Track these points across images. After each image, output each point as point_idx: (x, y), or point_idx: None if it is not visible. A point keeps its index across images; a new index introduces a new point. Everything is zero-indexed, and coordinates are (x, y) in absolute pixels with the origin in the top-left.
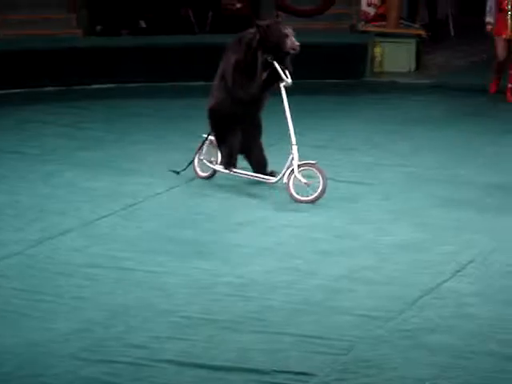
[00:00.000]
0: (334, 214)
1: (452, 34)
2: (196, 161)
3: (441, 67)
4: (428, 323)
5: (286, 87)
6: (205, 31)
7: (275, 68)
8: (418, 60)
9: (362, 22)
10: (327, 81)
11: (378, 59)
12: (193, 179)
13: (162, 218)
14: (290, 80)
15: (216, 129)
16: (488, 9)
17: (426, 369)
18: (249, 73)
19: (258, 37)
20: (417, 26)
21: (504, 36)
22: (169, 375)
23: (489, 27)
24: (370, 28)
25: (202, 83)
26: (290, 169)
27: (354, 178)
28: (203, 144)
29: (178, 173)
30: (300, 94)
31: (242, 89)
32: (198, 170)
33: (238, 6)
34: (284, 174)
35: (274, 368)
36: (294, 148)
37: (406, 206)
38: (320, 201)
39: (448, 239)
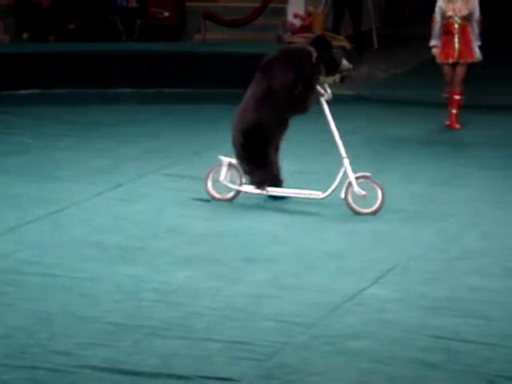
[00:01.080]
0: (264, 220)
1: (375, 46)
2: (209, 184)
3: (364, 79)
4: (350, 329)
5: (327, 101)
6: (132, 39)
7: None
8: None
9: (289, 34)
10: None
11: None
12: (120, 185)
13: (87, 224)
14: (330, 93)
15: (254, 148)
16: (436, 32)
17: (347, 374)
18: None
19: (315, 53)
20: (341, 37)
21: (450, 60)
22: (91, 381)
23: (434, 50)
24: (296, 39)
25: (128, 90)
26: (347, 182)
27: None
28: (216, 167)
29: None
30: (228, 103)
31: (306, 103)
32: (214, 192)
33: (166, 14)
34: (334, 189)
35: (198, 374)
36: (346, 161)
37: (333, 215)
38: (249, 207)
39: (370, 247)
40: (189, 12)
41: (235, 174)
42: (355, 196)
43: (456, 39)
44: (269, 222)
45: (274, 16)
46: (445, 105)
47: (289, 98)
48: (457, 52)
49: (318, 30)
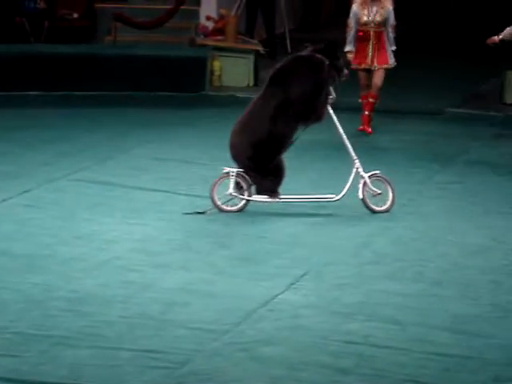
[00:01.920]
0: (172, 227)
1: (289, 49)
2: (216, 197)
3: None
4: (263, 335)
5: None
6: (40, 41)
7: None
8: (256, 75)
9: (201, 36)
10: (167, 93)
11: (216, 73)
12: (28, 191)
13: None
14: (335, 96)
15: (263, 159)
16: (350, 38)
17: (260, 381)
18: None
19: (327, 60)
20: (255, 41)
21: (363, 65)
22: None
23: (349, 56)
24: (209, 42)
25: (35, 93)
26: (362, 182)
27: (193, 192)
28: (221, 179)
29: (203, 213)
30: (140, 106)
31: (322, 111)
32: (221, 204)
33: (75, 16)
34: (347, 190)
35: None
36: (357, 162)
37: (243, 220)
38: (158, 214)
39: (283, 253)
40: (99, 13)
41: (243, 183)
42: (370, 195)
43: (370, 45)
44: (178, 229)
45: (186, 18)
46: (360, 110)
47: (306, 108)
48: (370, 58)
49: (230, 33)
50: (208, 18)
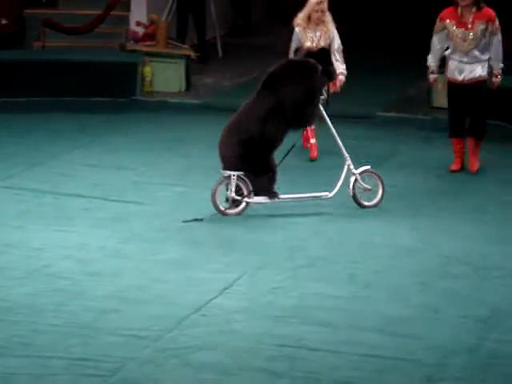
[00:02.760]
0: (105, 234)
1: (220, 55)
2: (218, 202)
3: (209, 88)
4: (195, 341)
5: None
6: None
7: None
8: (187, 80)
9: (131, 42)
10: (98, 99)
11: (148, 78)
12: None
13: None
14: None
15: (255, 159)
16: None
17: None
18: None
19: (319, 65)
20: (186, 46)
21: None
22: None
23: None
24: (140, 47)
25: None
26: (353, 179)
27: (125, 197)
28: (221, 183)
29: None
30: (70, 112)
31: (312, 116)
32: (223, 208)
33: (4, 22)
34: (339, 186)
35: None
36: (348, 159)
37: (176, 225)
38: (90, 220)
39: (217, 257)
40: (28, 19)
41: (243, 186)
42: (361, 191)
43: None
44: (110, 236)
45: (116, 24)
46: None
47: (298, 114)
48: None
49: (161, 39)
50: (138, 24)
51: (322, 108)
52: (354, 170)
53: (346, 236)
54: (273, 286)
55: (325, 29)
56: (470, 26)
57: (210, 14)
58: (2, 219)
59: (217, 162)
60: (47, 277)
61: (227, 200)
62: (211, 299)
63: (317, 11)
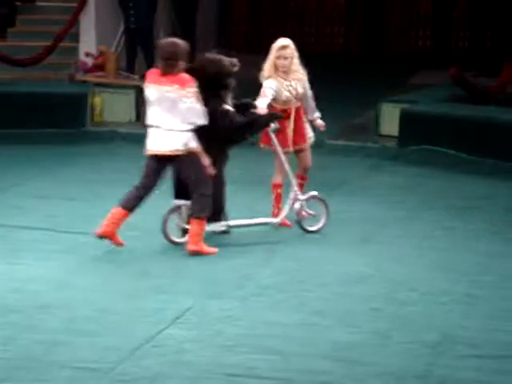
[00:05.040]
0: (53, 265)
1: None
2: (169, 232)
3: None
4: (147, 372)
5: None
6: None
7: None
8: (137, 110)
9: (81, 72)
10: (47, 130)
11: (98, 109)
12: None
13: None
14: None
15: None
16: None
17: None
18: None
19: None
20: (136, 77)
21: (285, 150)
22: None
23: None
24: (89, 78)
25: None
26: (298, 204)
27: (75, 229)
28: (171, 212)
29: None
30: (18, 144)
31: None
32: (174, 237)
33: None
34: (286, 211)
35: None
36: (295, 184)
37: (125, 256)
38: (39, 253)
39: (167, 286)
40: None
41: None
42: (307, 216)
43: (291, 124)
44: (59, 267)
45: (65, 55)
46: None
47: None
48: (291, 140)
49: (111, 69)
50: (87, 54)
51: (273, 136)
52: (301, 196)
53: (295, 264)
54: (223, 315)
55: (296, 75)
56: None
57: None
58: None
59: (166, 191)
60: None
61: (182, 230)
62: (163, 329)
63: (280, 58)
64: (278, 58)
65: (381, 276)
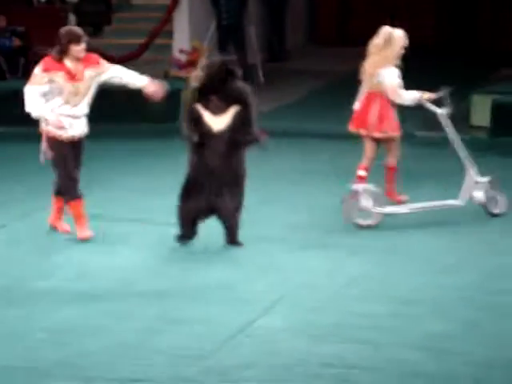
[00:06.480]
0: (148, 256)
1: (261, 79)
2: (352, 214)
3: None
4: (241, 360)
5: None
6: (17, 77)
7: None
8: None
9: (175, 69)
10: (143, 126)
11: None
12: (3, 226)
13: None
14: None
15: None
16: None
17: None
18: None
19: None
20: None
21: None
22: None
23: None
24: (183, 74)
25: (16, 129)
26: (482, 186)
27: (169, 221)
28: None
29: None
30: (116, 138)
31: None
32: (359, 220)
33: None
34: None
35: None
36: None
37: (217, 246)
38: (136, 243)
39: (258, 277)
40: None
41: (376, 198)
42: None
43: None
44: (154, 257)
45: (159, 52)
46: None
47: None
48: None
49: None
50: (181, 51)
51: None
52: (480, 179)
53: (384, 254)
54: (314, 305)
55: None
56: None
57: (250, 40)
58: (49, 245)
59: (256, 184)
60: (94, 298)
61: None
62: (255, 319)
63: (402, 48)
64: (402, 48)
65: (473, 266)
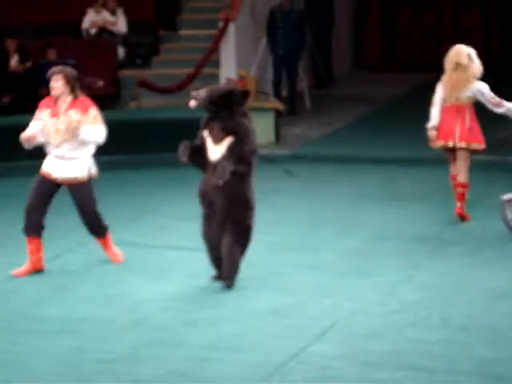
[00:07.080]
0: (199, 284)
1: (308, 106)
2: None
3: (298, 138)
4: None
5: None
6: None
7: None
8: (276, 132)
9: None
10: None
11: None
12: (59, 255)
13: (26, 296)
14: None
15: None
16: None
17: None
18: None
19: None
20: (274, 99)
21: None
22: None
23: (433, 133)
24: None
25: None
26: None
27: None
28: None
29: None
30: (164, 166)
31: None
32: None
33: (101, 84)
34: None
35: None
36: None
37: (269, 273)
38: (185, 271)
39: (310, 304)
40: (122, 80)
41: None
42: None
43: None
44: (205, 286)
45: (207, 81)
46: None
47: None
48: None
49: (252, 93)
50: (228, 80)
51: None
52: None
53: (438, 279)
54: (366, 332)
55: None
56: None
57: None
58: (103, 274)
59: (303, 211)
60: (149, 328)
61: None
62: (307, 346)
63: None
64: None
65: None
